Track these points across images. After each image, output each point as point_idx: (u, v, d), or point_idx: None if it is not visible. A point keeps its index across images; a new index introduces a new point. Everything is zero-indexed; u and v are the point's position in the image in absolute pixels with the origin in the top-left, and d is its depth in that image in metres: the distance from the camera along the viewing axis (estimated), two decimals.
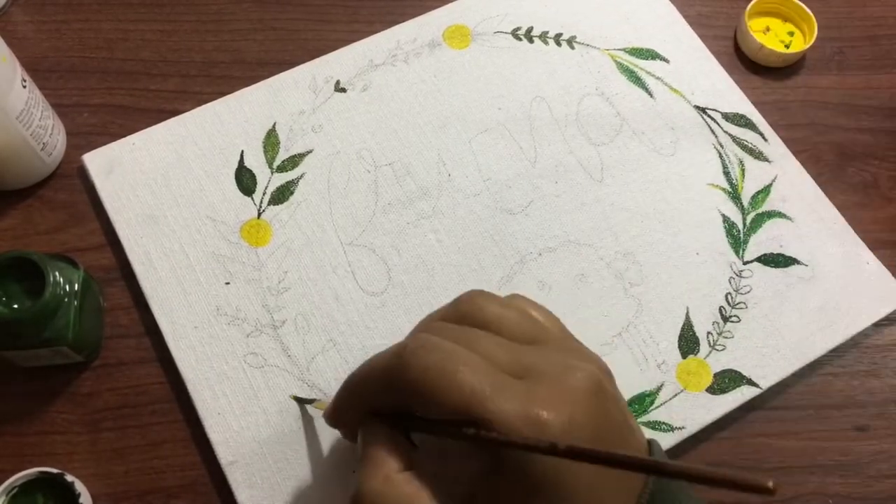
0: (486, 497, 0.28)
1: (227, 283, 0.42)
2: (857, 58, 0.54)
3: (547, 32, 0.50)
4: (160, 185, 0.44)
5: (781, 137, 0.49)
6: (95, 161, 0.45)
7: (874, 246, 0.46)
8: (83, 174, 0.45)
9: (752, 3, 0.52)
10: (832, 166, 0.50)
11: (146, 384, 0.41)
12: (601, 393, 0.29)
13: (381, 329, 0.42)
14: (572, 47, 0.50)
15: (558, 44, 0.50)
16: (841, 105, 0.52)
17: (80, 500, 0.36)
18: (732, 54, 0.52)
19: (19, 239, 0.44)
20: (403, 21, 0.51)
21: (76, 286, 0.38)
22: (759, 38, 0.51)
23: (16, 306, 0.37)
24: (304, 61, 0.49)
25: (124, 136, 0.46)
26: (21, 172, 0.44)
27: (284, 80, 0.48)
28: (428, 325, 0.32)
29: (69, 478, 0.36)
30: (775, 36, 0.53)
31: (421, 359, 0.28)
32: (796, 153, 0.49)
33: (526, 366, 0.29)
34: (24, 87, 0.41)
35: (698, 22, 0.53)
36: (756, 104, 0.50)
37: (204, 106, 0.47)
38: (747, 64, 0.52)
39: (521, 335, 0.30)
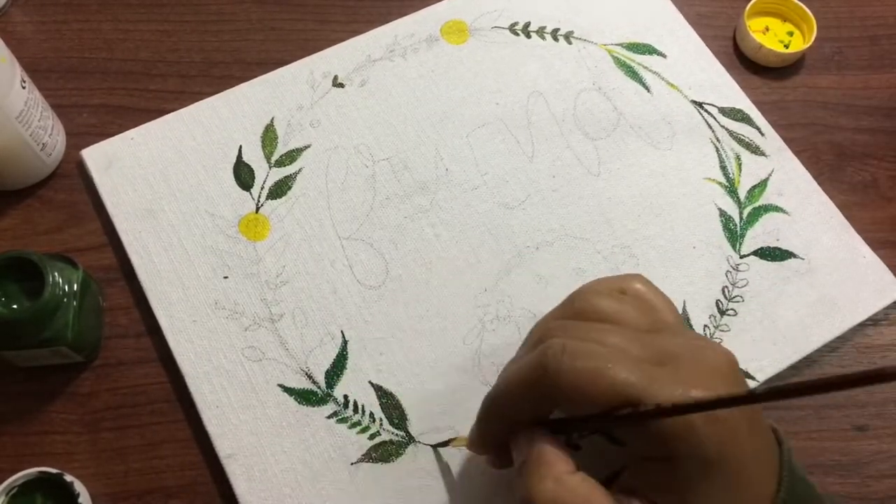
0: (650, 484, 0.29)
1: (226, 278, 0.42)
2: (857, 58, 0.54)
3: (544, 28, 0.51)
4: (158, 180, 0.44)
5: (781, 137, 0.49)
6: (94, 156, 0.45)
7: (874, 246, 0.46)
8: (82, 170, 0.45)
9: (751, 2, 0.52)
10: (831, 166, 0.50)
11: (145, 384, 0.41)
12: (736, 368, 0.30)
13: (379, 322, 0.42)
14: (570, 42, 0.50)
15: (555, 39, 0.50)
16: (840, 105, 0.52)
17: (80, 500, 0.36)
18: (732, 54, 0.52)
19: (19, 239, 0.44)
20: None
21: (76, 286, 0.38)
22: (759, 37, 0.51)
23: (15, 306, 0.37)
24: None
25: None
26: (21, 172, 0.44)
27: (282, 76, 0.48)
28: (551, 328, 0.31)
29: (69, 478, 0.36)
30: (774, 36, 0.53)
31: (568, 364, 0.28)
32: (796, 153, 0.49)
33: (660, 352, 0.29)
34: (24, 87, 0.41)
35: (698, 22, 0.53)
36: (756, 104, 0.50)
37: (202, 101, 0.47)
38: (747, 64, 0.52)
39: (641, 325, 0.31)
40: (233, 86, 0.48)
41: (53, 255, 0.39)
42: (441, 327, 0.42)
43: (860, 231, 0.46)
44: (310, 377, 0.41)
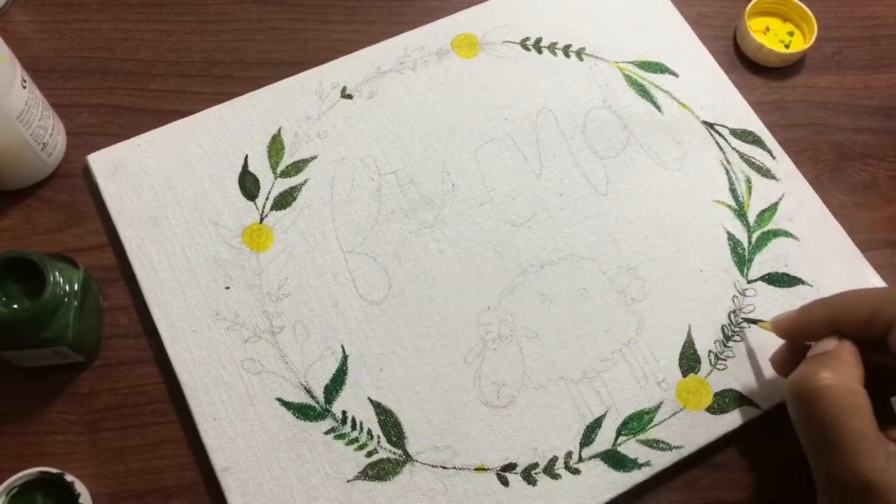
0: None
1: (227, 288, 0.42)
2: (857, 58, 0.54)
3: (556, 43, 0.50)
4: (163, 188, 0.44)
5: (781, 137, 0.49)
6: (100, 161, 0.45)
7: (873, 246, 0.46)
8: (87, 174, 0.45)
9: (752, 2, 0.52)
10: (831, 166, 0.50)
11: (146, 384, 0.41)
12: None
13: (380, 338, 0.42)
14: (581, 59, 0.50)
15: (567, 55, 0.50)
16: (840, 105, 0.52)
17: (80, 500, 0.36)
18: (732, 54, 0.52)
19: (19, 239, 0.44)
20: (402, 21, 0.51)
21: (76, 286, 0.38)
22: (759, 37, 0.51)
23: (16, 306, 0.37)
24: (303, 61, 0.49)
25: (124, 135, 0.46)
26: (21, 172, 0.44)
27: (291, 85, 0.48)
28: None
29: (69, 478, 0.36)
30: (775, 36, 0.52)
31: None
32: (796, 153, 0.49)
33: None
34: (24, 87, 0.41)
35: (698, 22, 0.53)
36: (756, 104, 0.50)
37: (209, 109, 0.47)
38: (747, 64, 0.52)
39: None
40: (233, 85, 0.48)
41: (54, 255, 0.39)
42: (442, 345, 0.42)
43: (860, 231, 0.46)
44: (308, 392, 0.40)
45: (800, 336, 0.38)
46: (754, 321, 0.42)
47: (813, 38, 0.51)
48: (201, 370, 0.40)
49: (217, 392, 0.40)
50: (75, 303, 0.38)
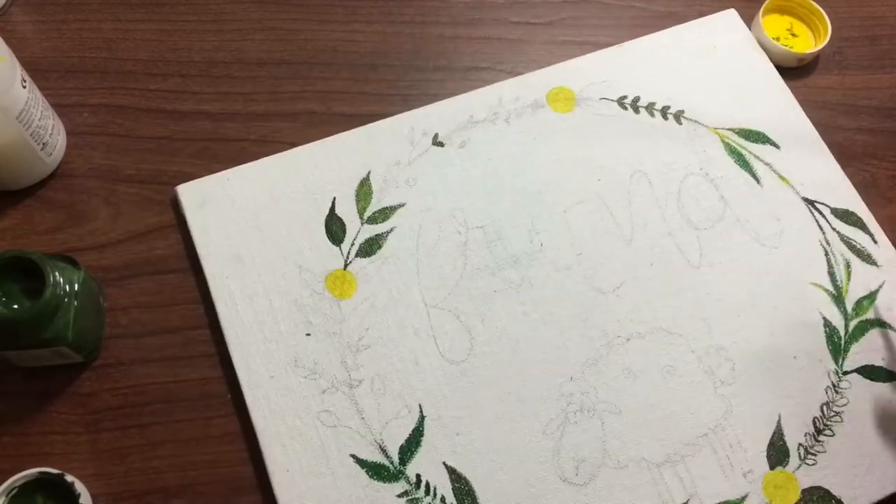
0: None
1: (308, 335, 0.41)
2: (857, 58, 0.54)
3: (654, 104, 0.49)
4: (250, 225, 0.44)
5: None
6: (188, 193, 0.45)
7: None
8: (176, 204, 0.45)
9: (764, 3, 0.52)
10: None
11: (146, 384, 0.41)
12: None
13: (459, 400, 0.41)
14: (679, 122, 0.48)
15: (665, 117, 0.48)
16: (841, 105, 0.52)
17: (81, 500, 0.36)
18: None
19: (19, 239, 0.44)
20: (402, 21, 0.52)
21: (76, 286, 0.38)
22: (777, 36, 0.51)
23: (16, 306, 0.37)
24: (303, 61, 0.50)
25: (124, 135, 0.47)
26: (21, 172, 0.44)
27: (382, 129, 0.47)
28: None
29: (69, 478, 0.36)
30: (789, 35, 0.53)
31: None
32: None
33: None
34: (24, 87, 0.41)
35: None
36: None
37: (300, 147, 0.46)
38: None
39: None
40: (233, 85, 0.49)
41: (54, 254, 0.39)
42: (521, 413, 0.40)
43: None
44: (383, 451, 0.39)
45: None
46: None
47: (827, 38, 0.51)
48: (277, 418, 0.40)
49: (292, 443, 0.39)
50: (75, 303, 0.38)
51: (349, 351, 0.41)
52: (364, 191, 0.45)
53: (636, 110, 0.49)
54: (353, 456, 0.39)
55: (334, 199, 0.45)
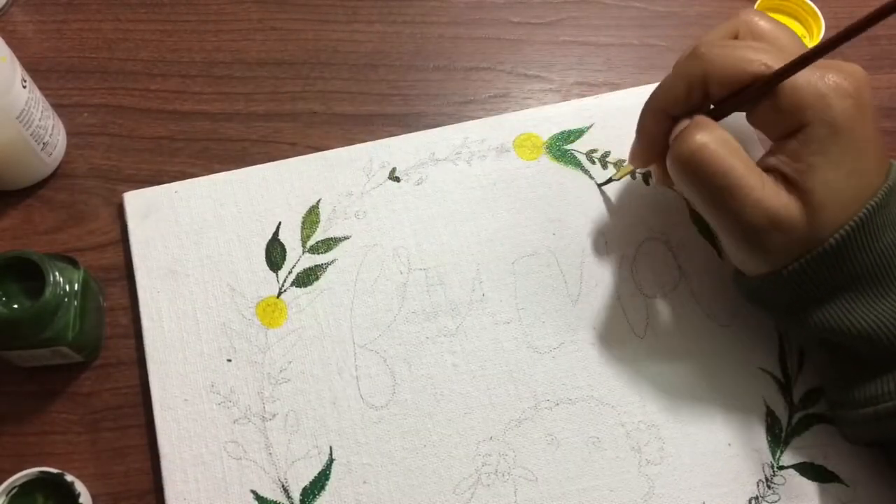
0: (784, 159, 0.35)
1: (229, 360, 0.41)
2: (857, 58, 0.52)
3: (623, 161, 0.47)
4: (190, 241, 0.43)
5: None
6: (134, 202, 0.44)
7: None
8: (121, 212, 0.45)
9: (757, 2, 0.51)
10: None
11: (146, 384, 0.41)
12: (868, 88, 0.36)
13: (372, 448, 0.39)
14: (647, 183, 0.47)
15: (633, 176, 0.47)
16: None
17: (80, 500, 0.36)
18: None
19: (19, 239, 0.44)
20: (403, 21, 0.51)
21: (76, 286, 0.38)
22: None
23: (16, 306, 0.37)
24: (303, 61, 0.50)
25: (124, 135, 0.47)
26: (21, 172, 0.44)
27: (340, 156, 0.46)
28: (708, 41, 0.37)
29: (69, 478, 0.36)
30: None
31: (717, 50, 0.36)
32: None
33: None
34: (24, 87, 0.41)
35: (698, 22, 0.53)
36: None
37: (253, 167, 0.46)
38: None
39: (792, 51, 0.36)
40: (233, 86, 0.49)
41: (54, 254, 0.39)
42: (434, 468, 0.39)
43: None
44: (285, 490, 0.38)
45: (653, 150, 0.40)
46: (609, 180, 0.45)
47: (821, 37, 0.50)
48: (184, 444, 0.39)
49: (194, 471, 0.38)
50: (75, 303, 0.38)
51: (268, 382, 0.40)
52: (311, 218, 0.44)
53: (604, 165, 0.47)
54: (253, 492, 0.38)
55: (279, 223, 0.44)
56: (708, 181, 0.35)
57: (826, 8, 0.53)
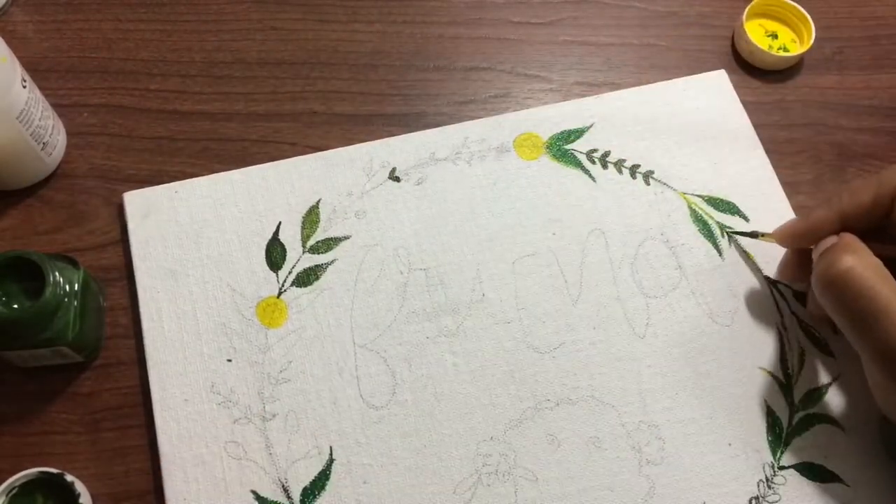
0: None
1: (229, 360, 0.41)
2: (857, 58, 0.53)
3: (624, 161, 0.47)
4: (190, 241, 0.43)
5: (781, 137, 0.49)
6: (135, 202, 0.44)
7: None
8: (121, 212, 0.45)
9: (750, 5, 0.51)
10: (832, 166, 0.49)
11: (146, 384, 0.40)
12: None
13: (373, 448, 0.39)
14: (647, 183, 0.47)
15: (633, 175, 0.47)
16: (841, 105, 0.51)
17: (80, 500, 0.36)
18: (730, 54, 0.52)
19: (19, 239, 0.44)
20: (403, 21, 0.52)
21: (76, 286, 0.38)
22: (756, 39, 0.51)
23: (16, 306, 0.37)
24: (303, 61, 0.50)
25: (124, 135, 0.47)
26: (21, 172, 0.44)
27: (340, 156, 0.46)
28: None
29: (69, 478, 0.36)
30: (767, 37, 0.52)
31: None
32: (796, 153, 0.49)
33: None
34: (24, 87, 0.41)
35: (698, 22, 0.53)
36: (756, 104, 0.50)
37: (253, 167, 0.46)
38: (747, 64, 0.52)
39: None
40: (234, 86, 0.49)
41: (54, 254, 0.39)
42: (434, 468, 0.39)
43: None
44: (286, 490, 0.38)
45: (806, 239, 0.40)
46: (752, 235, 0.44)
47: (811, 41, 0.50)
48: (184, 444, 0.39)
49: (194, 471, 0.38)
50: (75, 303, 0.38)
51: (268, 382, 0.40)
52: (311, 218, 0.44)
53: (604, 165, 0.47)
54: (253, 492, 0.38)
55: (279, 223, 0.44)
56: (852, 304, 0.35)
57: (826, 8, 0.53)
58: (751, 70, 0.52)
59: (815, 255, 0.38)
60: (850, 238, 0.37)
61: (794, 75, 0.52)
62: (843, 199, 0.38)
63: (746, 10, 0.51)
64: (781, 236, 0.41)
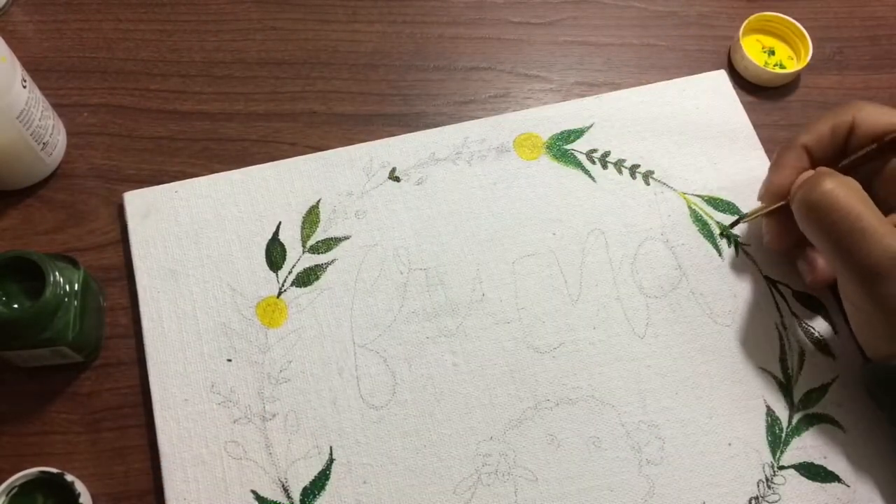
0: None
1: (229, 360, 0.41)
2: (857, 58, 0.53)
3: (623, 161, 0.47)
4: (190, 241, 0.43)
5: (781, 137, 0.48)
6: (135, 202, 0.44)
7: None
8: (121, 212, 0.45)
9: (746, 21, 0.51)
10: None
11: (146, 384, 0.41)
12: None
13: (372, 448, 0.39)
14: (647, 183, 0.47)
15: (633, 175, 0.47)
16: None
17: (80, 500, 0.36)
18: (728, 56, 0.52)
19: (19, 239, 0.44)
20: (403, 21, 0.52)
21: (76, 286, 0.38)
22: (752, 55, 0.50)
23: (16, 306, 0.37)
24: (303, 61, 0.50)
25: (124, 135, 0.47)
26: (21, 172, 0.44)
27: (340, 156, 0.46)
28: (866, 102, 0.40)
29: (69, 478, 0.36)
30: (764, 55, 0.52)
31: (872, 104, 0.38)
32: None
33: None
34: (25, 86, 0.41)
35: (699, 22, 0.53)
36: (756, 104, 0.50)
37: (253, 167, 0.46)
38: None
39: None
40: (234, 86, 0.49)
41: (54, 254, 0.39)
42: (434, 468, 0.39)
43: None
44: (286, 490, 0.38)
45: (787, 183, 0.40)
46: (738, 221, 0.45)
47: (808, 59, 0.50)
48: (184, 444, 0.39)
49: (194, 471, 0.38)
50: (75, 303, 0.38)
51: (268, 382, 0.40)
52: (311, 218, 0.44)
53: (604, 166, 0.47)
54: (253, 492, 0.38)
55: (279, 223, 0.44)
56: (837, 224, 0.35)
57: (826, 8, 0.54)
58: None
59: (793, 189, 0.39)
60: (825, 168, 0.38)
61: (801, 71, 0.51)
62: (802, 135, 0.40)
63: (743, 25, 0.51)
64: (765, 195, 0.42)
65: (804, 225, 0.38)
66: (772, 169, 0.41)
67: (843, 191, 0.36)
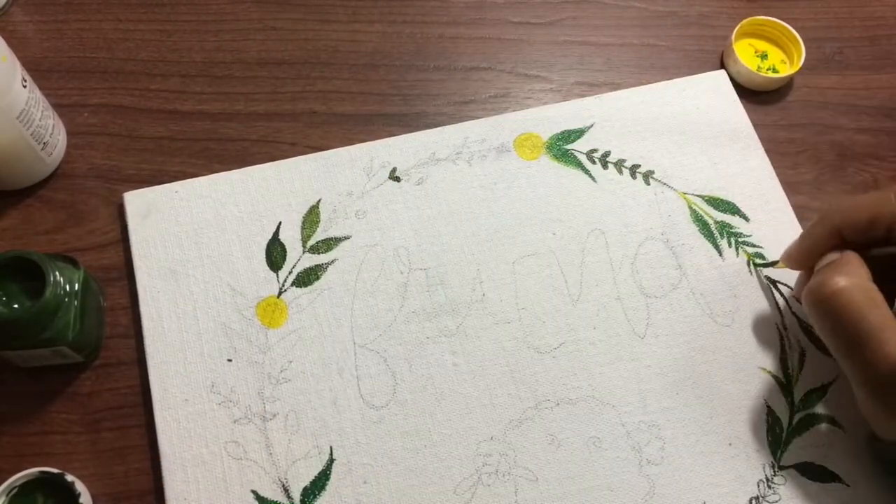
0: None
1: (230, 360, 0.41)
2: (857, 58, 0.54)
3: (624, 161, 0.47)
4: (191, 241, 0.43)
5: (781, 137, 0.49)
6: (135, 202, 0.44)
7: None
8: (121, 212, 0.45)
9: (738, 25, 0.51)
10: (832, 166, 0.49)
11: (146, 384, 0.41)
12: None
13: (373, 448, 0.39)
14: (647, 183, 0.47)
15: (633, 176, 0.47)
16: (841, 105, 0.51)
17: (80, 500, 0.36)
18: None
19: (19, 239, 0.44)
20: (403, 21, 0.52)
21: (76, 286, 0.38)
22: (744, 60, 0.50)
23: (16, 306, 0.37)
24: (304, 61, 0.50)
25: (124, 135, 0.47)
26: (21, 172, 0.44)
27: (341, 156, 0.46)
28: None
29: (69, 478, 0.36)
30: (757, 59, 0.52)
31: None
32: (796, 153, 0.49)
33: None
34: (25, 86, 0.41)
35: (698, 22, 0.53)
36: (756, 104, 0.50)
37: (253, 167, 0.46)
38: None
39: None
40: (234, 86, 0.49)
41: (54, 254, 0.39)
42: (435, 468, 0.39)
43: None
44: (286, 490, 0.38)
45: (810, 259, 0.39)
46: (770, 264, 0.44)
47: (801, 62, 0.50)
48: (185, 444, 0.39)
49: (194, 471, 0.38)
50: (76, 303, 0.38)
51: (269, 382, 0.40)
52: (311, 218, 0.44)
53: (604, 165, 0.47)
54: (253, 492, 0.38)
55: (280, 223, 0.44)
56: (838, 327, 0.34)
57: (826, 8, 0.53)
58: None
59: (817, 268, 0.38)
60: (849, 257, 0.36)
61: (794, 75, 0.52)
62: (842, 219, 0.37)
63: (735, 29, 0.51)
64: (787, 260, 0.41)
65: (809, 316, 0.36)
66: (801, 238, 0.40)
67: (851, 292, 0.34)
